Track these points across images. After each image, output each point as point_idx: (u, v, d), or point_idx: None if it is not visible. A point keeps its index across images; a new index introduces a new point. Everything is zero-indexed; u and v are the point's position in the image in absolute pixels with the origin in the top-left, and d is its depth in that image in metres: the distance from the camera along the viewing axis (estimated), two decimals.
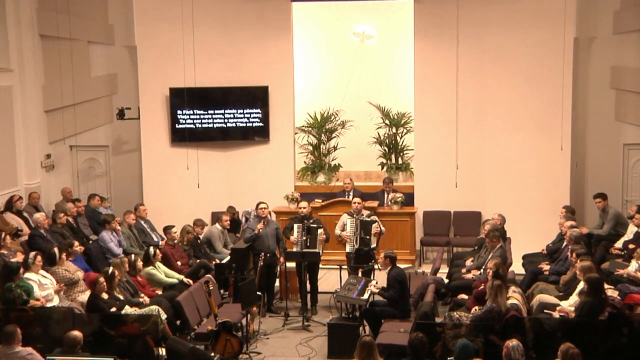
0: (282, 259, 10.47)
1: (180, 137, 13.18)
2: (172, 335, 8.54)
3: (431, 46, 12.55)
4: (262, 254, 10.27)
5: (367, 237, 10.17)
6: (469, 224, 12.60)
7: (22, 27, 12.41)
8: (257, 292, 9.45)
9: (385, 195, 12.62)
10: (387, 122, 13.93)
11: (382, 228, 10.33)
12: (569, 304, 8.42)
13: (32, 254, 9.10)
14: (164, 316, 8.63)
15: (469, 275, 9.97)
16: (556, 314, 8.28)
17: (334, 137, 14.10)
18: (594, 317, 7.77)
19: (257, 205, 10.64)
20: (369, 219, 10.28)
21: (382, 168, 13.78)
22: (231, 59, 13.16)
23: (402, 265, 9.79)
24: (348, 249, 10.33)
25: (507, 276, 8.88)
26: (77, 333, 7.18)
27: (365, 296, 9.05)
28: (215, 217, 12.31)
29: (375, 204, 12.10)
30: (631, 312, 8.13)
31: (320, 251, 10.27)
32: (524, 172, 12.53)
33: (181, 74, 12.43)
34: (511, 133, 12.54)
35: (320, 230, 10.24)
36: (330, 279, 11.30)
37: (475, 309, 8.33)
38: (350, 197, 12.44)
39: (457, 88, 11.87)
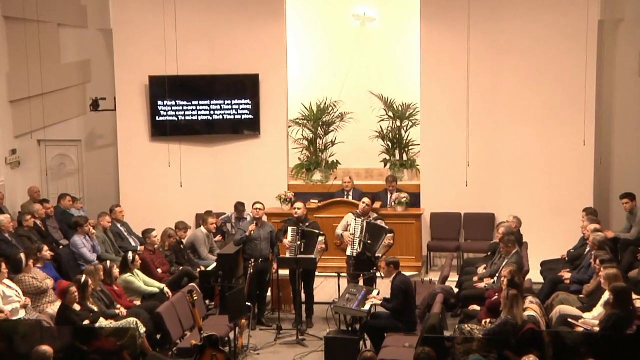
0: (274, 266, 10.46)
1: (161, 130, 13.17)
2: (152, 351, 8.54)
3: (439, 30, 12.56)
4: (253, 260, 10.25)
5: (371, 242, 10.13)
6: (481, 227, 12.62)
7: None
8: (247, 303, 9.43)
9: (389, 196, 12.62)
10: (390, 114, 13.92)
11: (394, 240, 10.31)
12: (593, 317, 8.38)
13: None
14: (142, 329, 8.61)
15: (482, 284, 9.98)
16: (579, 328, 8.26)
17: (332, 130, 14.10)
18: (620, 331, 7.75)
19: (253, 205, 10.66)
20: (381, 224, 10.24)
21: (385, 165, 13.79)
22: (218, 44, 13.15)
23: (407, 273, 9.80)
24: (349, 252, 10.31)
25: (523, 285, 8.86)
26: (46, 348, 7.15)
27: (367, 307, 9.05)
28: (200, 220, 12.29)
29: (377, 205, 12.09)
30: None
31: (317, 258, 10.26)
32: (543, 169, 12.55)
33: (162, 60, 12.40)
34: (528, 127, 12.55)
35: (320, 239, 10.22)
36: (327, 288, 11.31)
37: (488, 322, 8.35)
38: (350, 197, 12.46)
39: (468, 77, 11.84)
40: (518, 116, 12.58)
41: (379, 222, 10.38)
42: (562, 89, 12.36)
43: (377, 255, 10.13)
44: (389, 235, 10.17)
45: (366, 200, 10.49)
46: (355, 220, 10.32)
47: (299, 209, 10.48)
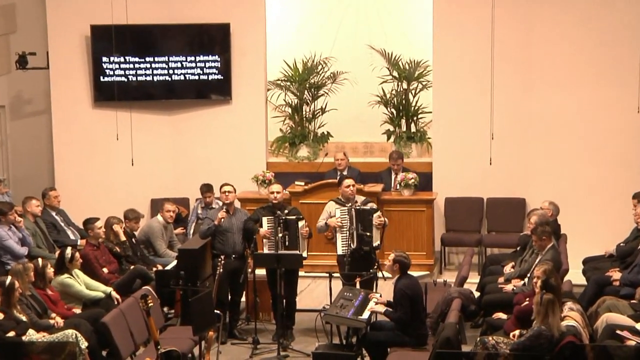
0: (250, 264, 10.45)
1: (107, 94, 13.14)
2: None
3: None
4: (223, 256, 10.23)
5: (368, 233, 10.11)
6: (509, 215, 12.63)
7: None
8: (216, 310, 9.38)
9: (393, 176, 12.63)
10: (395, 74, 13.88)
11: (385, 219, 10.30)
12: None
13: None
14: (84, 344, 8.60)
15: (509, 287, 9.99)
16: (630, 341, 8.26)
17: (322, 95, 14.07)
18: None
19: (220, 187, 10.64)
20: (367, 207, 10.23)
21: (389, 138, 13.78)
22: None
23: (416, 273, 9.81)
24: (340, 250, 10.31)
25: (561, 288, 8.87)
26: None
27: (365, 315, 9.05)
28: (156, 207, 12.23)
29: (378, 188, 12.07)
30: None
31: (304, 253, 10.27)
32: (585, 144, 12.57)
33: (107, 5, 12.27)
34: (567, 91, 12.56)
35: (301, 223, 10.24)
36: (316, 292, 11.32)
37: (517, 334, 8.33)
38: None
39: (493, 28, 11.81)
40: (554, 78, 12.59)
41: (370, 205, 10.39)
42: (609, 44, 12.36)
43: (374, 244, 10.13)
44: (375, 215, 10.16)
45: (350, 181, 10.48)
46: (339, 208, 10.29)
47: (277, 192, 10.48)
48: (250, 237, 10.51)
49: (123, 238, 10.97)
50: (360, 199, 10.57)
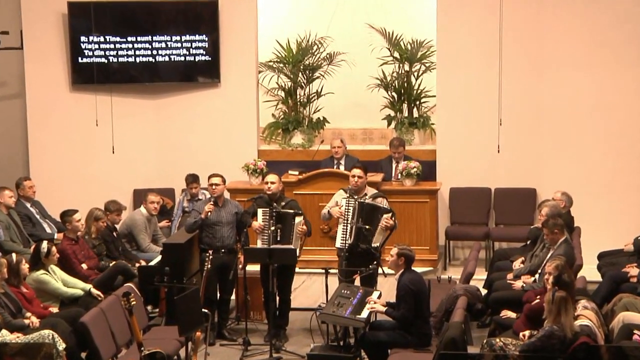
0: (241, 259, 10.45)
1: (86, 77, 13.13)
2: None
3: None
4: (211, 251, 10.24)
5: (368, 227, 10.11)
6: (518, 207, 12.65)
7: None
8: (203, 309, 9.39)
9: (394, 165, 12.66)
10: (396, 55, 13.89)
11: (396, 222, 10.27)
12: None
13: None
14: (61, 345, 8.57)
15: (518, 284, 10.01)
16: None
17: (317, 77, 14.10)
18: None
19: (208, 178, 10.61)
20: (375, 203, 10.21)
21: (389, 124, 13.81)
22: None
23: (419, 269, 9.81)
24: (338, 243, 10.30)
25: (574, 285, 8.90)
26: None
27: (364, 314, 9.06)
28: (139, 198, 12.22)
29: (378, 177, 12.09)
30: None
31: (298, 248, 10.26)
32: (600, 129, 12.58)
33: None
34: (580, 72, 12.57)
35: (298, 219, 10.23)
36: (311, 289, 11.36)
37: (527, 334, 8.33)
38: (342, 167, 12.44)
39: (501, 5, 11.81)
40: (568, 58, 12.59)
41: (379, 200, 10.35)
42: (628, 22, 12.36)
43: (374, 245, 10.13)
44: (385, 215, 10.13)
45: (356, 171, 10.41)
46: (345, 199, 10.27)
47: (272, 183, 10.44)
48: (241, 230, 10.51)
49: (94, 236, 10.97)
50: (371, 191, 10.49)
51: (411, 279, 8.97)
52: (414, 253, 9.15)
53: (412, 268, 9.14)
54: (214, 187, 10.46)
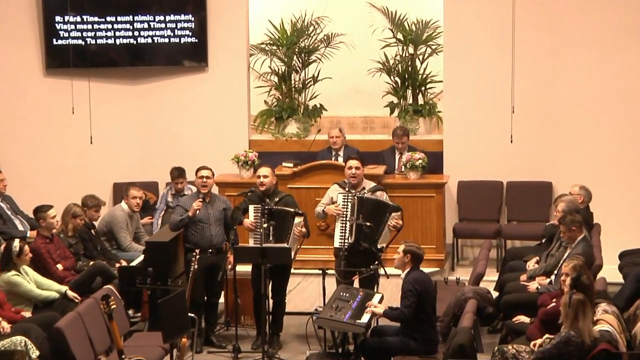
0: (230, 259, 10.42)
1: (61, 60, 13.13)
2: None
3: None
4: (198, 250, 10.24)
5: (369, 224, 10.09)
6: (532, 202, 12.67)
7: None
8: (189, 314, 9.39)
9: (397, 156, 12.65)
10: (400, 36, 13.87)
11: (402, 221, 10.28)
12: None
13: None
14: (35, 353, 8.64)
15: (533, 286, 10.01)
16: None
17: (314, 61, 14.08)
18: None
19: (196, 171, 10.62)
20: (380, 198, 10.18)
21: (392, 112, 13.80)
22: None
23: (424, 270, 9.76)
24: (337, 243, 10.32)
25: (594, 287, 8.91)
26: None
27: (364, 319, 9.06)
28: (120, 193, 12.20)
29: (380, 170, 12.08)
30: None
31: (293, 247, 10.30)
32: (620, 118, 12.57)
33: None
34: (599, 56, 12.55)
35: (298, 220, 10.24)
36: (307, 292, 11.39)
37: (544, 340, 8.31)
38: (340, 159, 12.42)
39: None
40: (586, 41, 12.57)
41: (378, 194, 10.31)
42: None
43: (379, 246, 10.14)
44: (394, 214, 10.10)
45: (354, 162, 10.42)
46: (342, 194, 10.27)
47: (265, 177, 10.47)
48: (230, 227, 10.50)
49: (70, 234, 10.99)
50: (369, 184, 10.51)
51: (416, 278, 9.00)
52: (423, 251, 9.19)
53: (420, 269, 9.15)
54: (204, 179, 10.46)
